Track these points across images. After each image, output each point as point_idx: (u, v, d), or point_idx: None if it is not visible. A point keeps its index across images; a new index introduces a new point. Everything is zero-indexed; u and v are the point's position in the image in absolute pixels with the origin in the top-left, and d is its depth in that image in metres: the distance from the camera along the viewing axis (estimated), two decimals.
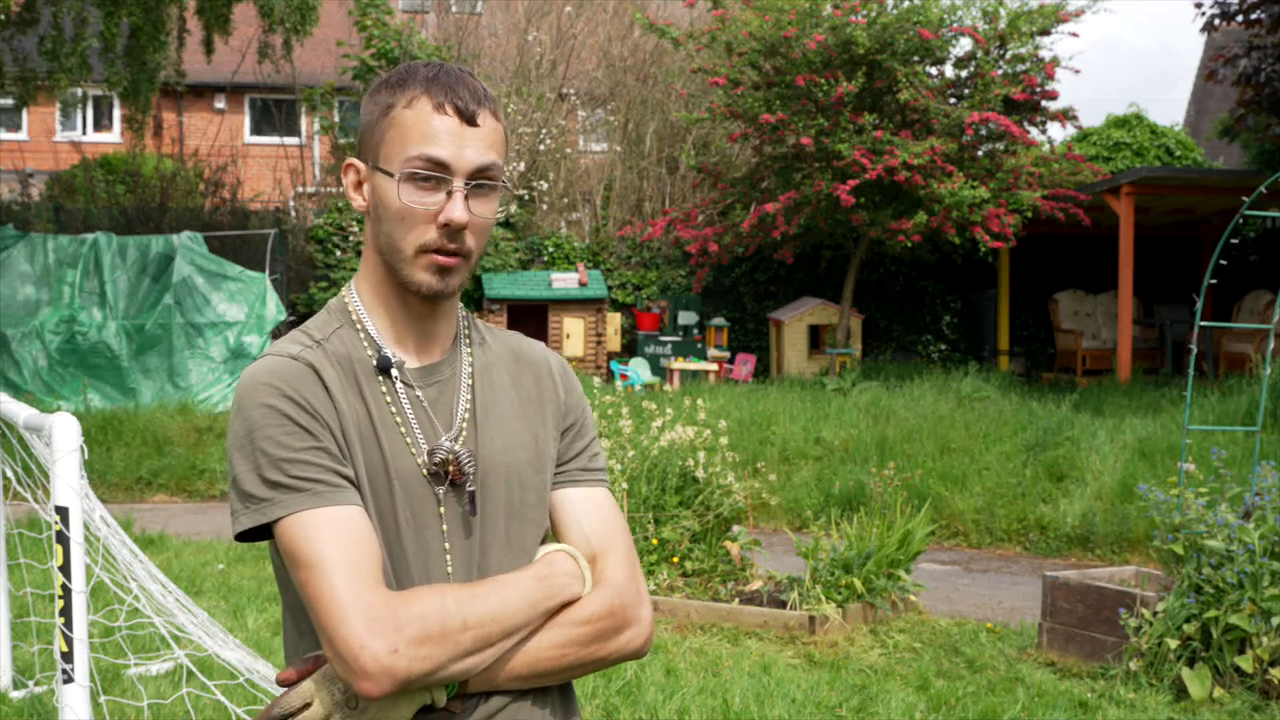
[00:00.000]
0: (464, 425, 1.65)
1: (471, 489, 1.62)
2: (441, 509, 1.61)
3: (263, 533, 1.56)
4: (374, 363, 1.63)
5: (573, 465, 1.73)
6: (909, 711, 5.11)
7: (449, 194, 1.58)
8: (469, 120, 1.59)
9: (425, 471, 1.60)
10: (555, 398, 1.74)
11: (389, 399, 1.62)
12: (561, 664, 1.60)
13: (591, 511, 1.71)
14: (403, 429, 1.61)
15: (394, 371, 1.63)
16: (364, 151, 1.65)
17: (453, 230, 1.59)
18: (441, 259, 1.60)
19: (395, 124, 1.60)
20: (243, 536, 1.57)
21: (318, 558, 1.49)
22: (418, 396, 1.64)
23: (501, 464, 1.65)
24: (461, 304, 1.77)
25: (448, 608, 1.50)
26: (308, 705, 1.53)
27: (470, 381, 1.69)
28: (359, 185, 1.66)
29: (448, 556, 1.60)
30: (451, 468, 1.60)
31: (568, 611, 1.60)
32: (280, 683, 1.57)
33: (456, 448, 1.61)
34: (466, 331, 1.74)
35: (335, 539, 1.50)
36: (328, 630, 1.47)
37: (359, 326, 1.66)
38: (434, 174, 1.58)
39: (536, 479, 1.69)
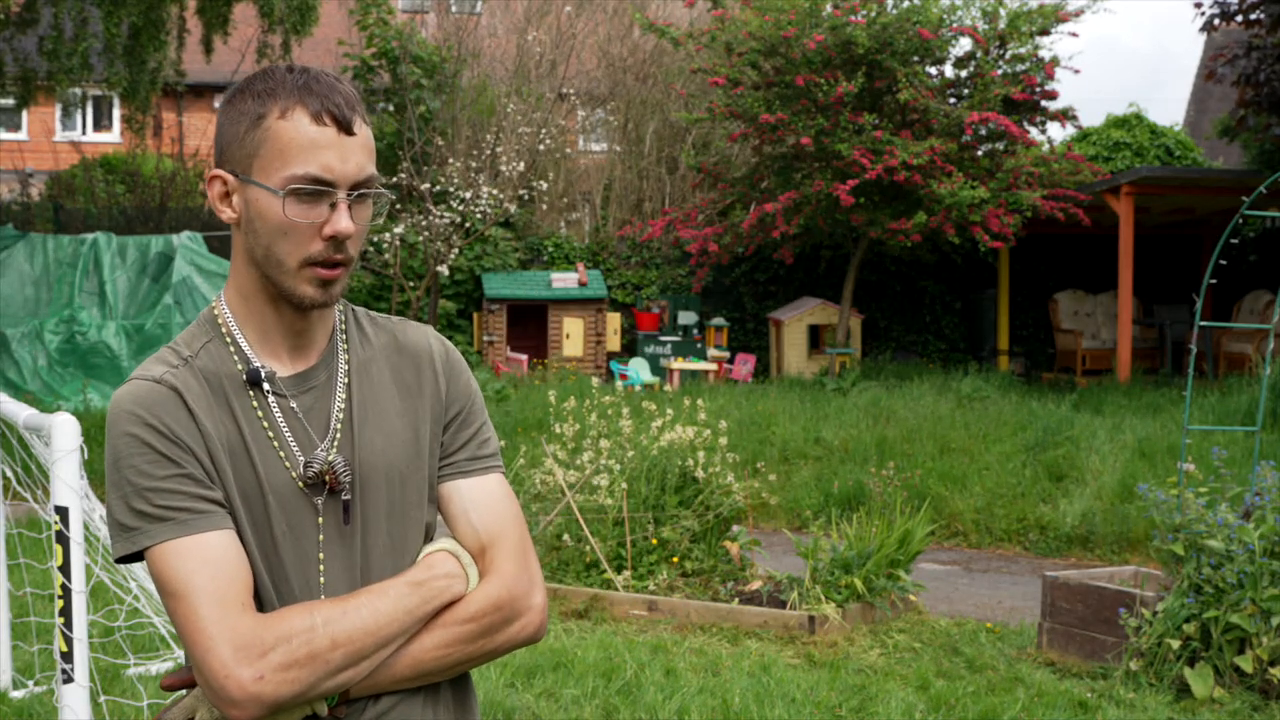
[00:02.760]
0: (338, 430, 1.63)
1: (346, 498, 1.60)
2: (320, 519, 1.60)
3: (140, 556, 1.56)
4: (243, 377, 1.61)
5: (459, 455, 1.70)
6: (909, 711, 5.11)
7: (332, 206, 1.56)
8: (346, 129, 1.56)
9: (301, 484, 1.59)
10: (435, 389, 1.71)
11: (260, 413, 1.60)
12: (446, 662, 1.59)
13: (480, 501, 1.68)
14: (275, 442, 1.60)
15: (265, 385, 1.61)
16: (230, 162, 1.60)
17: (338, 241, 1.57)
18: (325, 272, 1.58)
19: (271, 136, 1.56)
20: (123, 561, 1.57)
21: (184, 586, 1.49)
22: (291, 407, 1.62)
23: (381, 465, 1.63)
24: (343, 301, 1.75)
25: (316, 628, 1.49)
26: (190, 719, 1.55)
27: (346, 382, 1.66)
28: (226, 196, 1.61)
29: (321, 568, 1.59)
30: (328, 478, 1.59)
31: (451, 610, 1.59)
32: (164, 687, 1.59)
33: (331, 457, 1.59)
34: (344, 328, 1.71)
35: (201, 567, 1.49)
36: (195, 658, 1.48)
37: (229, 339, 1.64)
38: (319, 189, 1.55)
39: (417, 476, 1.67)
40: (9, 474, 5.27)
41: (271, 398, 1.62)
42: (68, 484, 3.57)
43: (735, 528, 7.27)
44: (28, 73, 15.35)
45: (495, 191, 15.17)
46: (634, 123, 19.38)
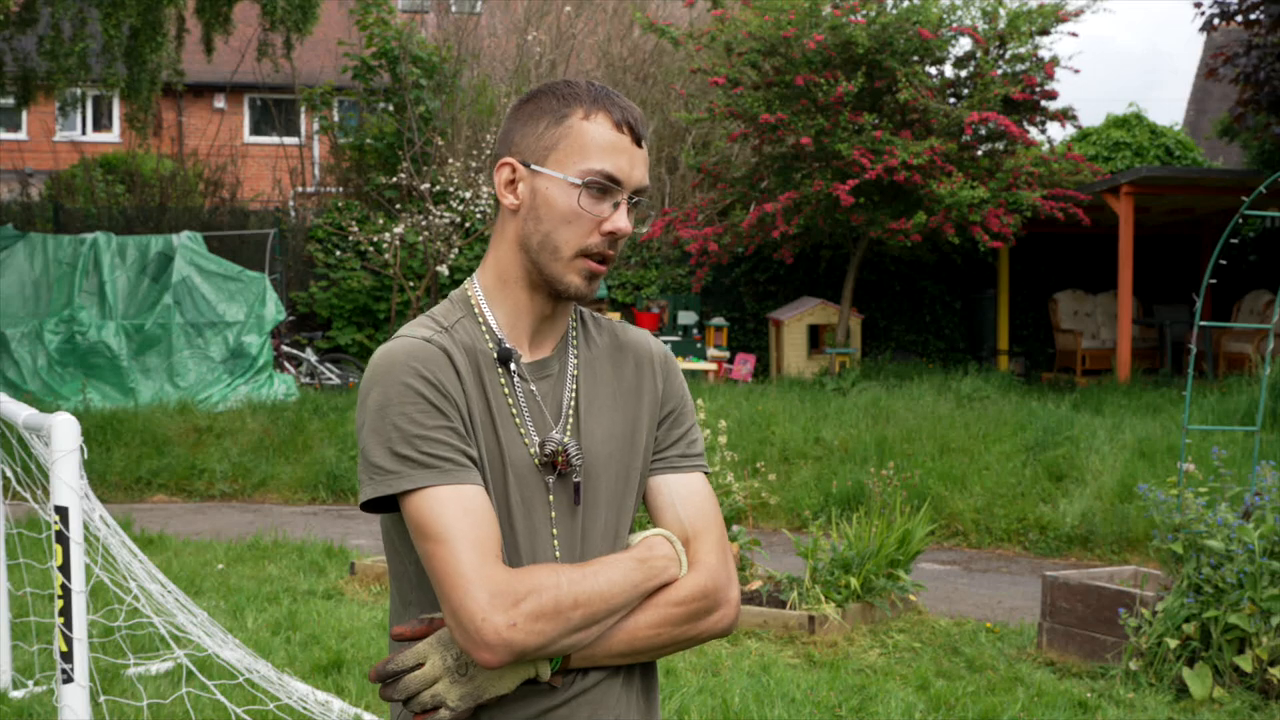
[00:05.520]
0: (569, 418, 1.75)
1: (577, 480, 1.71)
2: (550, 496, 1.71)
3: (385, 505, 1.65)
4: (494, 354, 1.73)
5: (670, 452, 1.82)
6: (908, 711, 5.11)
7: (615, 205, 1.71)
8: (638, 141, 1.73)
9: (537, 461, 1.70)
10: (653, 387, 1.83)
11: (506, 390, 1.72)
12: (656, 642, 1.68)
13: (686, 497, 1.79)
14: (517, 419, 1.71)
15: (513, 364, 1.73)
16: (520, 152, 1.74)
17: (615, 239, 1.72)
18: (595, 265, 1.71)
19: (574, 133, 1.71)
20: (368, 506, 1.66)
21: (445, 531, 1.58)
22: (531, 389, 1.74)
23: (603, 454, 1.75)
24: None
25: (561, 586, 1.58)
26: (420, 665, 1.62)
27: (576, 374, 1.78)
28: (512, 184, 1.75)
29: (555, 541, 1.70)
30: (560, 459, 1.70)
31: (665, 593, 1.68)
32: (394, 637, 1.67)
33: (565, 440, 1.71)
34: (575, 326, 1.83)
35: (462, 515, 1.59)
36: (452, 602, 1.56)
37: (480, 319, 1.76)
38: (610, 185, 1.70)
39: (632, 467, 1.78)
40: (9, 474, 5.27)
41: (516, 378, 1.73)
42: (67, 484, 3.57)
43: (735, 527, 7.27)
44: (27, 72, 15.34)
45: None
46: None
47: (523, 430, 1.71)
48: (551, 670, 1.63)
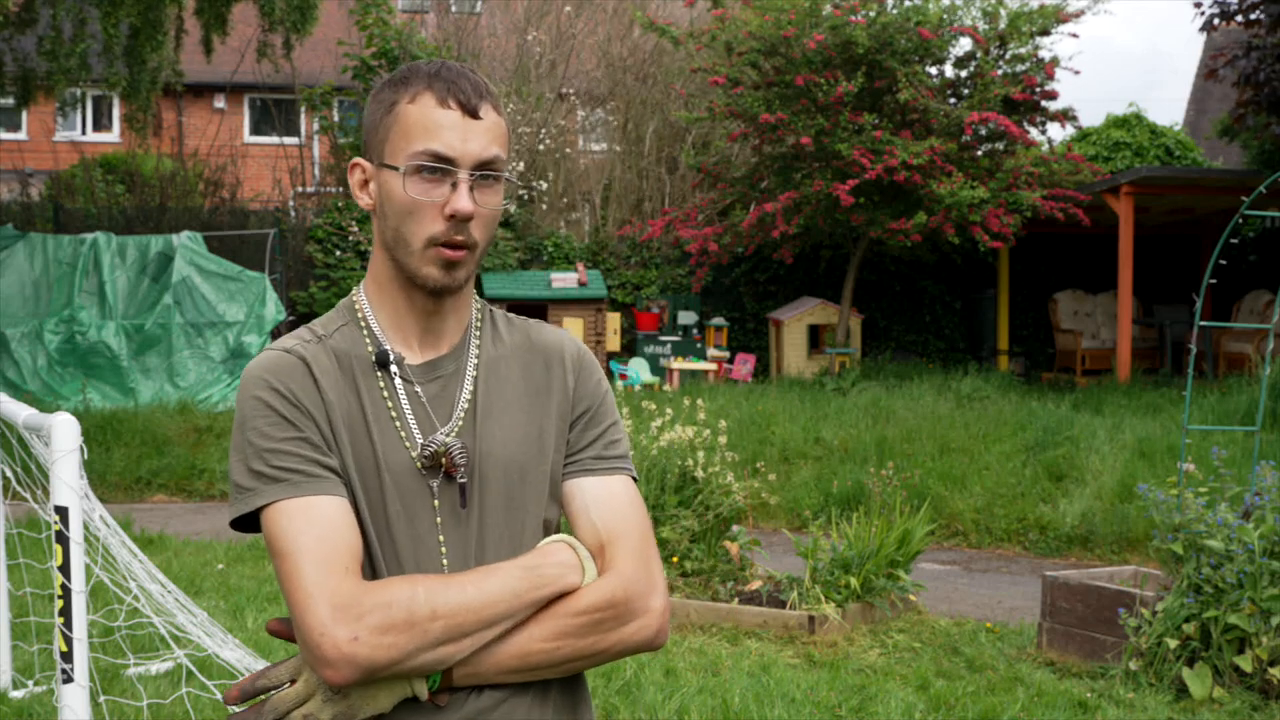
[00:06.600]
0: (461, 419, 1.65)
1: (462, 481, 1.61)
2: (436, 502, 1.62)
3: (254, 523, 1.59)
4: (372, 358, 1.65)
5: (585, 454, 1.71)
6: (908, 711, 5.11)
7: (454, 186, 1.60)
8: (472, 113, 1.61)
9: (418, 464, 1.61)
10: (564, 387, 1.73)
11: (385, 393, 1.64)
12: (556, 656, 1.57)
13: (602, 499, 1.68)
14: (397, 423, 1.63)
15: (392, 367, 1.65)
16: (369, 150, 1.67)
17: (459, 222, 1.60)
18: (448, 252, 1.61)
19: (399, 120, 1.62)
20: (237, 525, 1.60)
21: (290, 546, 1.51)
22: (416, 392, 1.66)
23: (501, 456, 1.65)
24: (479, 298, 1.78)
25: (417, 597, 1.49)
26: (293, 681, 1.55)
27: (475, 375, 1.69)
28: (365, 184, 1.69)
29: (443, 549, 1.61)
30: (444, 460, 1.61)
31: (563, 602, 1.57)
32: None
33: (448, 440, 1.61)
34: (479, 324, 1.75)
35: (308, 528, 1.52)
36: (295, 617, 1.50)
37: (363, 324, 1.69)
38: (439, 166, 1.60)
39: (538, 471, 1.68)
40: (9, 474, 5.27)
41: (398, 381, 1.65)
42: (67, 484, 3.57)
43: (735, 528, 7.27)
44: (27, 73, 15.33)
45: None
46: (634, 123, 19.37)
47: (404, 433, 1.62)
48: (430, 689, 1.54)
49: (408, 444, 1.62)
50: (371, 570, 1.59)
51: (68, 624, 3.49)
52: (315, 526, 1.52)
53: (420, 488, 1.61)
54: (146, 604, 4.48)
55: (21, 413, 4.16)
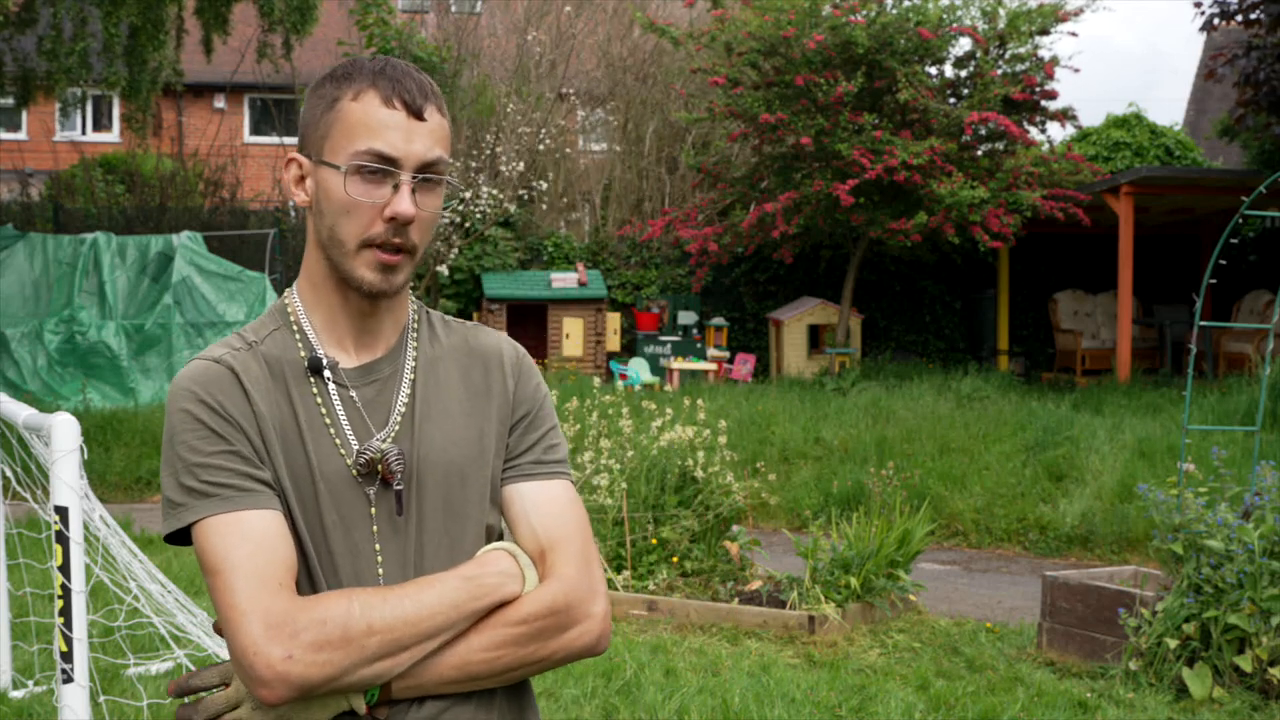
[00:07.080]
0: (398, 423, 1.61)
1: (399, 488, 1.58)
2: (373, 509, 1.58)
3: (189, 537, 1.55)
4: (305, 364, 1.61)
5: (524, 459, 1.68)
6: (908, 711, 5.11)
7: (395, 187, 1.56)
8: (416, 114, 1.57)
9: (354, 472, 1.57)
10: (503, 390, 1.69)
11: (319, 400, 1.60)
12: (497, 666, 1.54)
13: (542, 504, 1.64)
14: (331, 429, 1.59)
15: (326, 372, 1.61)
16: (307, 145, 1.63)
17: (399, 224, 1.57)
18: (385, 256, 1.57)
19: (341, 117, 1.58)
20: (171, 539, 1.56)
21: (221, 562, 1.48)
22: (351, 397, 1.62)
23: (440, 462, 1.61)
24: (415, 298, 1.75)
25: (352, 612, 1.46)
26: (225, 685, 1.53)
27: (412, 378, 1.65)
28: (301, 180, 1.64)
29: (379, 558, 1.57)
30: (380, 467, 1.57)
31: (503, 611, 1.54)
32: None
33: (384, 446, 1.58)
34: (415, 326, 1.70)
35: (240, 544, 1.48)
36: (227, 635, 1.46)
37: (295, 327, 1.64)
38: (382, 167, 1.56)
39: (478, 476, 1.64)
40: (9, 474, 5.27)
41: (332, 386, 1.61)
42: (67, 484, 3.57)
43: (735, 528, 7.27)
44: (27, 72, 15.34)
45: (495, 191, 15.17)
46: (634, 123, 19.38)
47: (338, 440, 1.58)
48: (368, 703, 1.50)
49: (343, 451, 1.58)
50: (309, 583, 1.55)
51: (68, 624, 3.49)
52: (247, 542, 1.48)
53: (356, 496, 1.57)
54: (146, 604, 4.48)
55: (21, 413, 4.16)
